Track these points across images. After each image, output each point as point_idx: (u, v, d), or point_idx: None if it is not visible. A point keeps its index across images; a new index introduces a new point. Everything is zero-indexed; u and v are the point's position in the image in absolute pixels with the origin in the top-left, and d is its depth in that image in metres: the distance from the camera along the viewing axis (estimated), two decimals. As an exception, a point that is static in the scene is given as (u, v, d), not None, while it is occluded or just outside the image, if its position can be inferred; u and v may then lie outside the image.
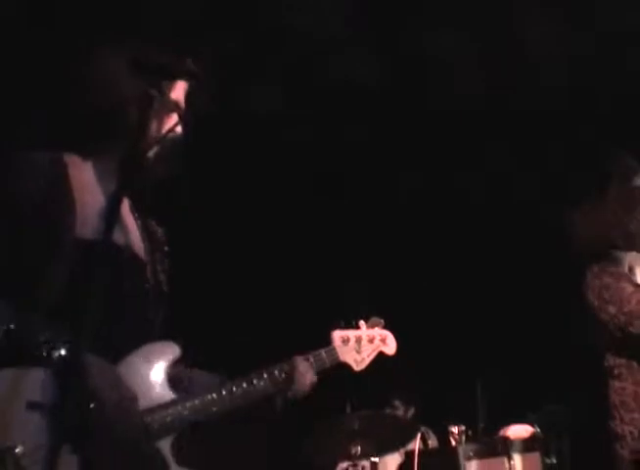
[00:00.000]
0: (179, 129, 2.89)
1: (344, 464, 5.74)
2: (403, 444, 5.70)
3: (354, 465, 5.54)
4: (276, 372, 2.97)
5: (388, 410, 6.81)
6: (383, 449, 5.83)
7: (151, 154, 2.81)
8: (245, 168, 6.62)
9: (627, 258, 3.82)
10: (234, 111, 5.86)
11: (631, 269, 3.78)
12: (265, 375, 2.95)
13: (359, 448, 5.48)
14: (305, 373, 3.00)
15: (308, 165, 6.76)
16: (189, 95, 2.96)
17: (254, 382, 2.91)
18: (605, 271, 3.77)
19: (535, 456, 5.68)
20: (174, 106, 2.89)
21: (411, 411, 6.95)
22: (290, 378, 2.96)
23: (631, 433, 3.61)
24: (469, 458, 5.37)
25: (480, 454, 5.45)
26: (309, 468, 6.04)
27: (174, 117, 2.88)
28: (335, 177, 6.95)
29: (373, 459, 6.03)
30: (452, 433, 5.70)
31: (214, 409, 2.78)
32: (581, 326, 3.95)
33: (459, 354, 7.22)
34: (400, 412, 6.90)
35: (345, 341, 3.25)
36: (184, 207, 5.44)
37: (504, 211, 7.10)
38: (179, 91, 2.91)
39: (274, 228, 6.94)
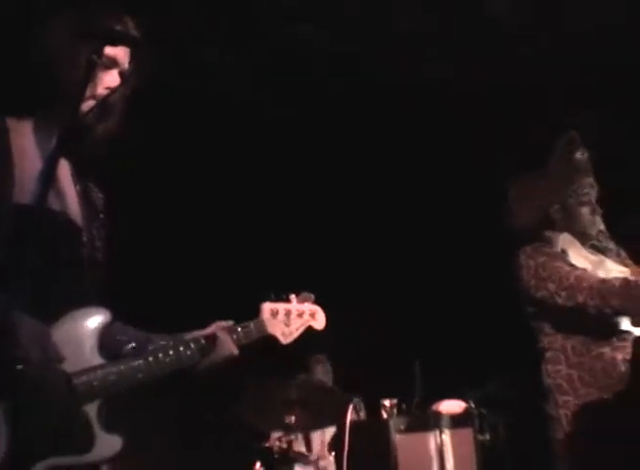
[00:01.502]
0: (118, 87, 2.85)
1: (278, 433, 5.78)
2: (337, 415, 5.74)
3: (287, 435, 5.59)
4: (202, 341, 3.01)
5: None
6: (317, 421, 5.91)
7: (89, 113, 2.79)
8: (184, 136, 6.62)
9: (560, 239, 3.83)
10: (178, 75, 5.89)
11: (564, 251, 3.80)
12: (192, 344, 2.96)
13: (293, 419, 5.55)
14: (225, 344, 3.02)
15: (244, 135, 6.77)
16: (133, 57, 2.92)
17: (181, 350, 2.92)
18: (539, 251, 3.78)
19: (467, 432, 5.76)
20: (113, 63, 2.85)
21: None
22: (211, 348, 3.00)
23: (566, 415, 3.65)
24: (399, 431, 5.43)
25: (411, 428, 5.53)
26: (245, 435, 6.08)
27: (114, 75, 2.87)
28: (270, 148, 6.95)
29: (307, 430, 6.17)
30: (384, 406, 5.75)
31: (140, 376, 2.78)
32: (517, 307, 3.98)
33: (400, 330, 7.28)
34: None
35: (275, 314, 3.26)
36: (127, 172, 5.43)
37: (441, 190, 7.15)
38: (120, 50, 2.87)
39: (212, 196, 6.93)
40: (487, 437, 5.98)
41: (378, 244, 7.41)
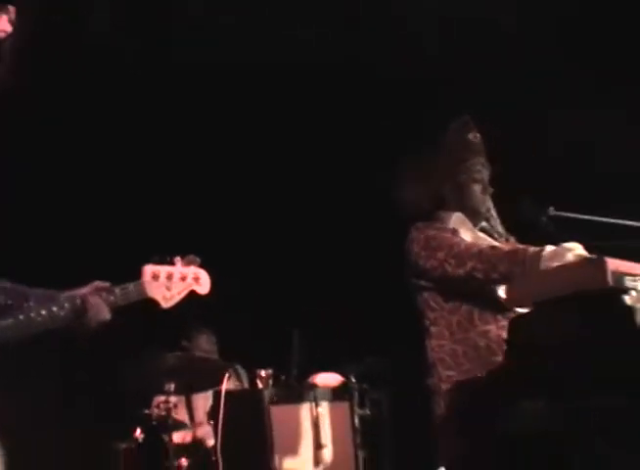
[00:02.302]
0: (8, 37, 2.77)
1: (160, 398, 5.74)
2: (216, 383, 5.70)
3: (166, 402, 5.56)
4: (77, 301, 2.94)
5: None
6: (195, 388, 5.89)
7: None
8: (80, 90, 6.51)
9: (452, 218, 3.85)
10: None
11: (455, 230, 3.83)
12: (67, 304, 2.89)
13: (173, 386, 5.53)
14: (98, 307, 2.97)
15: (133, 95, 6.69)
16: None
17: (54, 310, 2.86)
18: (429, 226, 3.77)
19: (344, 406, 5.78)
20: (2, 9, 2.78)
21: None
22: (85, 309, 2.94)
23: (447, 390, 3.59)
24: (274, 402, 5.43)
25: (286, 399, 5.46)
26: (126, 401, 6.04)
27: (3, 20, 2.74)
28: (157, 110, 6.86)
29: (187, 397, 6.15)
30: (259, 376, 5.74)
31: (10, 333, 2.72)
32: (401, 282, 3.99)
33: (280, 300, 7.27)
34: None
35: (156, 276, 3.15)
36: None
37: (328, 163, 7.16)
38: None
39: (101, 153, 6.80)
40: (367, 411, 6.02)
41: (259, 212, 7.36)
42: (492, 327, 3.58)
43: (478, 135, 3.93)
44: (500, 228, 3.96)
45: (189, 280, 3.27)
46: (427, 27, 6.33)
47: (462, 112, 4.02)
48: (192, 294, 3.32)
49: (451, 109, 4.14)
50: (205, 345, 6.87)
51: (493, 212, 3.95)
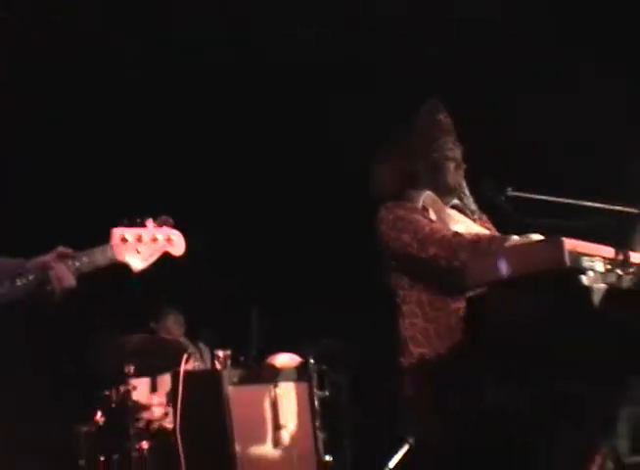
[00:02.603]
0: None
1: (123, 382, 5.72)
2: (176, 365, 5.68)
3: (126, 384, 5.54)
4: (41, 270, 2.89)
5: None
6: (155, 370, 5.87)
7: None
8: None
9: (422, 196, 3.86)
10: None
11: (425, 208, 3.83)
12: (30, 274, 2.86)
13: (132, 368, 5.50)
14: (61, 273, 2.91)
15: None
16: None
17: (16, 279, 2.83)
18: (399, 206, 3.78)
19: (303, 386, 5.79)
20: None
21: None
22: (47, 277, 2.89)
23: (418, 367, 3.67)
24: (233, 383, 5.42)
25: (245, 380, 5.49)
26: (90, 380, 6.01)
27: None
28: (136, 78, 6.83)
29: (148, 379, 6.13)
30: (218, 357, 5.73)
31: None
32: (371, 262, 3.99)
33: (239, 281, 7.25)
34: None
35: (124, 239, 3.09)
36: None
37: (294, 140, 7.15)
38: None
39: (70, 119, 6.76)
40: (327, 393, 6.02)
41: (219, 193, 7.33)
42: (463, 305, 3.58)
43: (447, 116, 3.96)
44: (473, 206, 3.97)
45: (161, 242, 3.20)
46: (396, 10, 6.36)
47: (432, 95, 4.04)
48: (166, 256, 3.25)
49: (421, 93, 4.15)
50: (173, 326, 6.86)
51: (466, 191, 3.97)
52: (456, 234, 3.60)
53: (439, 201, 3.85)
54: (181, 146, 7.15)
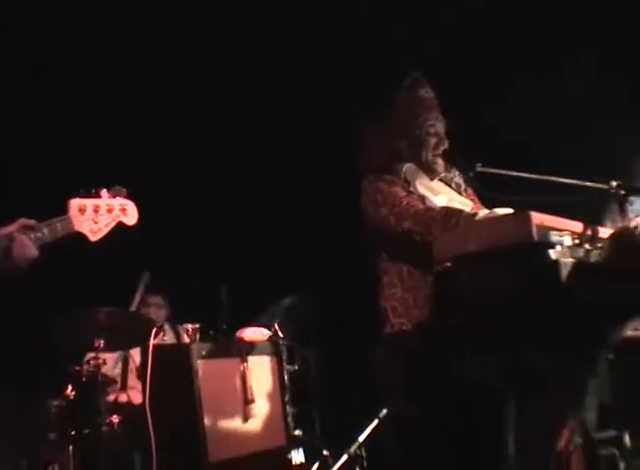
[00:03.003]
0: None
1: (90, 355, 5.70)
2: (145, 339, 5.67)
3: (96, 358, 5.52)
4: (3, 241, 2.89)
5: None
6: (125, 344, 5.86)
7: None
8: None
9: (404, 168, 3.87)
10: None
11: (407, 180, 3.84)
12: None
13: (102, 343, 5.48)
14: (23, 244, 2.91)
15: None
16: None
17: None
18: (380, 178, 3.79)
19: (272, 360, 5.81)
20: None
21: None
22: (9, 248, 2.88)
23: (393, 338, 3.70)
24: (202, 357, 5.42)
25: (214, 354, 5.48)
26: (58, 354, 5.99)
27: None
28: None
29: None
30: (186, 330, 5.75)
31: None
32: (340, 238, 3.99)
33: (208, 255, 7.25)
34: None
35: (82, 210, 3.15)
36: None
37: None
38: None
39: (28, 94, 6.70)
40: (296, 367, 6.04)
41: (187, 170, 7.30)
42: None
43: (430, 92, 3.96)
44: (458, 179, 4.00)
45: (116, 211, 3.29)
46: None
47: (412, 70, 4.04)
48: (120, 225, 3.29)
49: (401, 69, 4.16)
50: (154, 304, 6.85)
51: (452, 166, 3.99)
52: (427, 209, 3.62)
53: (421, 172, 3.87)
54: (145, 117, 7.09)
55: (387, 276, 3.75)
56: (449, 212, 3.53)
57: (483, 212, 3.43)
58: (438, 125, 3.93)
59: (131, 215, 3.32)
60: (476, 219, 3.33)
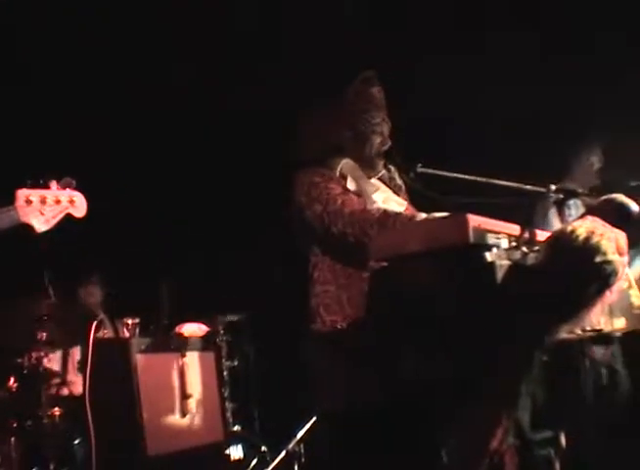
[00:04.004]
0: None
1: (33, 347, 5.67)
2: (85, 333, 5.65)
3: (38, 350, 5.50)
4: None
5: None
6: (67, 338, 5.83)
7: None
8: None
9: (342, 163, 3.85)
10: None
11: (343, 176, 3.82)
12: None
13: (45, 335, 5.45)
14: None
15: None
16: None
17: None
18: (316, 172, 3.76)
19: (210, 356, 5.83)
20: None
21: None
22: None
23: (330, 334, 3.67)
24: (141, 351, 5.43)
25: (153, 348, 5.51)
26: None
27: None
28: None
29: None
30: (126, 324, 5.75)
31: None
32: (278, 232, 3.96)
33: (150, 249, 7.23)
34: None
35: (29, 201, 3.14)
36: None
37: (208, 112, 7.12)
38: None
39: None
40: (236, 363, 6.05)
41: (126, 162, 7.28)
42: None
43: (381, 90, 3.96)
44: (399, 181, 3.99)
45: (64, 203, 3.27)
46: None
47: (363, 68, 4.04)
48: (68, 217, 3.28)
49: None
50: (90, 294, 6.82)
51: (391, 166, 3.99)
52: (364, 210, 3.61)
53: (359, 169, 3.86)
54: (88, 108, 7.05)
55: (318, 272, 3.71)
56: (386, 214, 3.52)
57: (421, 216, 3.45)
58: (384, 126, 3.93)
59: (80, 207, 3.30)
60: (414, 221, 3.35)
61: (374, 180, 3.91)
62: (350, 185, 3.77)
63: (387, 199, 3.82)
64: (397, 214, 3.51)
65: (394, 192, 3.95)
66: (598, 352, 3.63)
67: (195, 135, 7.22)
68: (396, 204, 3.83)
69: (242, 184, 7.01)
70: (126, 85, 6.97)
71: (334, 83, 4.05)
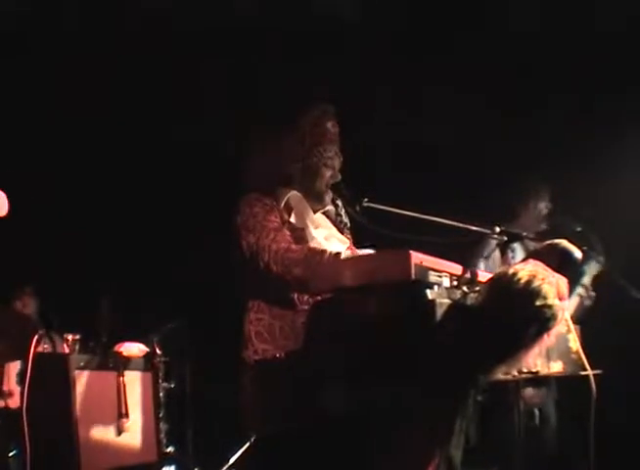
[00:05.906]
0: None
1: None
2: (26, 346, 5.61)
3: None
4: None
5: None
6: (8, 349, 5.79)
7: None
8: None
9: (288, 195, 3.86)
10: None
11: (288, 208, 3.83)
12: None
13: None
14: None
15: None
16: None
17: None
18: (260, 201, 3.74)
19: (149, 376, 5.82)
20: None
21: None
22: None
23: (260, 364, 3.68)
24: (80, 368, 5.41)
25: (92, 366, 5.48)
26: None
27: None
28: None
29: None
30: (67, 340, 5.72)
31: None
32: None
33: (91, 265, 7.21)
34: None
35: None
36: None
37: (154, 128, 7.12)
38: None
39: None
40: (172, 384, 6.05)
41: (70, 179, 7.25)
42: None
43: (336, 125, 3.98)
44: (345, 218, 3.99)
45: None
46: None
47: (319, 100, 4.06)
48: None
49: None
50: (26, 306, 6.77)
51: (339, 202, 3.99)
52: (289, 248, 3.59)
53: (305, 202, 3.87)
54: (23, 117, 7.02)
55: (253, 300, 3.71)
56: (312, 252, 3.53)
57: (346, 253, 3.48)
58: (336, 161, 3.93)
59: (1, 206, 3.22)
60: (341, 259, 3.36)
61: (319, 214, 3.91)
62: (293, 219, 3.78)
63: (329, 236, 3.83)
64: (323, 252, 3.51)
65: (339, 229, 3.95)
66: (531, 392, 3.69)
67: (135, 153, 7.21)
68: (338, 241, 3.84)
69: (180, 197, 7.03)
70: (63, 95, 6.94)
71: (287, 113, 4.06)
